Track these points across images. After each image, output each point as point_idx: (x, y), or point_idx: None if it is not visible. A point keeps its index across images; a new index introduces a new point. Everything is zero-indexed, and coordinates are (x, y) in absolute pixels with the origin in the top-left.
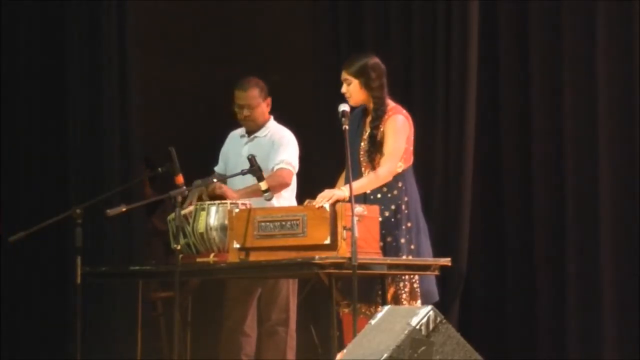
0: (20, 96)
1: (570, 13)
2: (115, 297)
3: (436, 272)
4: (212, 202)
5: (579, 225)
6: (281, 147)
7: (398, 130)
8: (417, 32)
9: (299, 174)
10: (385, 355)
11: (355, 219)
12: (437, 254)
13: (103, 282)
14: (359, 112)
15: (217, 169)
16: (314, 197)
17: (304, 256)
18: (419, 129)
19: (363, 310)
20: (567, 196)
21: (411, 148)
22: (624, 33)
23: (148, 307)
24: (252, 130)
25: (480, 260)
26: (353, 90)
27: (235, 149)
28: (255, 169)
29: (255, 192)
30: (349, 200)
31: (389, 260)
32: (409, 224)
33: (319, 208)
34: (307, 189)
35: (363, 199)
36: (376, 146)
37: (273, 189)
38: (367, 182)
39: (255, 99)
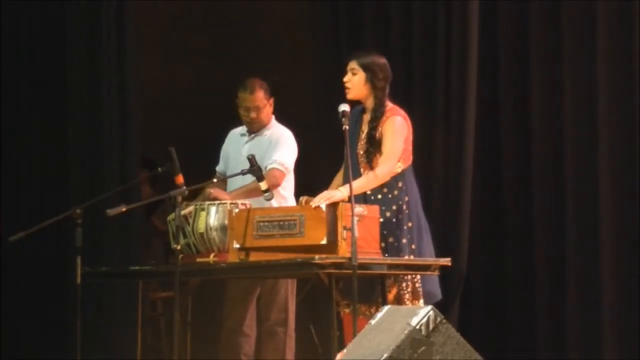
0: (21, 96)
1: (570, 13)
2: (115, 297)
3: (436, 272)
4: (212, 202)
5: (579, 225)
6: (277, 147)
7: (396, 130)
8: (417, 32)
9: (298, 174)
10: (385, 355)
11: (355, 219)
12: (437, 254)
13: (103, 282)
14: (356, 112)
15: (218, 168)
16: (312, 196)
17: (302, 256)
18: (419, 129)
19: (363, 310)
20: (567, 196)
21: (410, 148)
22: (624, 33)
23: (148, 307)
24: (255, 130)
25: (480, 260)
26: (357, 83)
27: (235, 148)
28: (255, 169)
29: (249, 192)
30: (349, 200)
31: (389, 260)
32: (410, 224)
33: (315, 208)
34: (307, 189)
35: (363, 199)
36: (375, 146)
37: (258, 190)
38: (366, 182)
39: (262, 100)
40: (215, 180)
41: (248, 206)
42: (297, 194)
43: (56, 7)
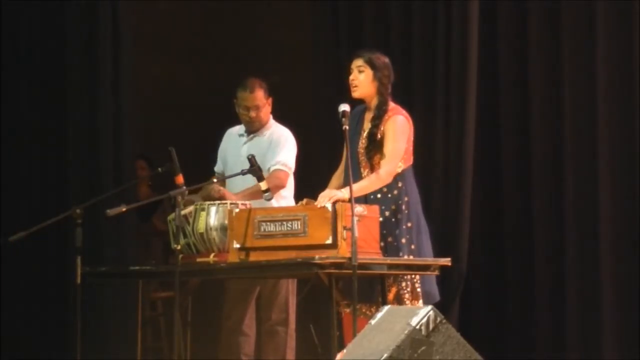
0: (20, 97)
1: (570, 13)
2: (115, 297)
3: (436, 272)
4: (212, 202)
5: (579, 225)
6: (278, 148)
7: (398, 130)
8: (417, 32)
9: (298, 174)
10: (385, 355)
11: (355, 219)
12: (437, 254)
13: (103, 282)
14: (358, 111)
15: (216, 169)
16: (313, 196)
17: (305, 256)
18: (419, 129)
19: (363, 310)
20: (566, 196)
21: (411, 148)
22: (624, 33)
23: (148, 307)
24: (254, 129)
25: (480, 260)
26: (364, 80)
27: (234, 148)
28: (255, 169)
29: (254, 194)
30: (349, 200)
31: (389, 260)
32: (409, 224)
33: (320, 208)
34: (307, 188)
35: (363, 199)
36: (375, 145)
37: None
38: (367, 184)
39: (261, 100)
40: (215, 180)
41: (248, 206)
42: (297, 194)
43: (56, 7)
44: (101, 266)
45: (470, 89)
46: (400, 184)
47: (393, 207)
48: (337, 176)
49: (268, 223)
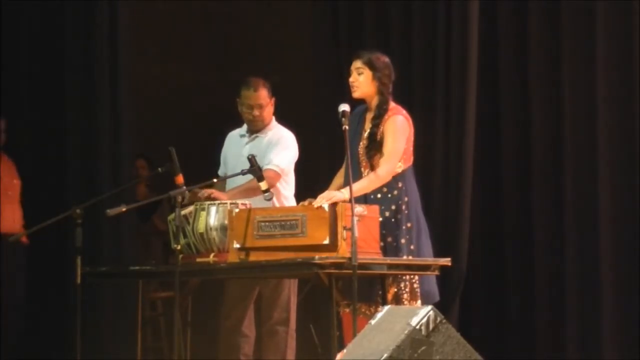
0: (20, 97)
1: (570, 13)
2: (115, 297)
3: (436, 272)
4: (212, 202)
5: (579, 225)
6: (275, 148)
7: (397, 130)
8: (417, 32)
9: (299, 174)
10: (385, 355)
11: (355, 219)
12: (437, 254)
13: (103, 282)
14: (359, 112)
15: (220, 172)
16: (314, 196)
17: (304, 256)
18: (419, 129)
19: (363, 310)
20: (566, 196)
21: (411, 148)
22: (624, 33)
23: (148, 307)
24: (256, 129)
25: (480, 260)
26: (364, 82)
27: (235, 149)
28: (255, 169)
29: (244, 192)
30: (349, 201)
31: (389, 260)
32: (409, 224)
33: (317, 208)
34: (307, 188)
35: (363, 199)
36: (375, 145)
37: (255, 190)
38: (367, 183)
39: (265, 99)
40: (215, 180)
41: (248, 206)
42: (298, 194)
43: (55, 8)
44: (101, 266)
45: (470, 89)
46: (400, 184)
47: (393, 207)
48: (340, 176)
49: (267, 223)
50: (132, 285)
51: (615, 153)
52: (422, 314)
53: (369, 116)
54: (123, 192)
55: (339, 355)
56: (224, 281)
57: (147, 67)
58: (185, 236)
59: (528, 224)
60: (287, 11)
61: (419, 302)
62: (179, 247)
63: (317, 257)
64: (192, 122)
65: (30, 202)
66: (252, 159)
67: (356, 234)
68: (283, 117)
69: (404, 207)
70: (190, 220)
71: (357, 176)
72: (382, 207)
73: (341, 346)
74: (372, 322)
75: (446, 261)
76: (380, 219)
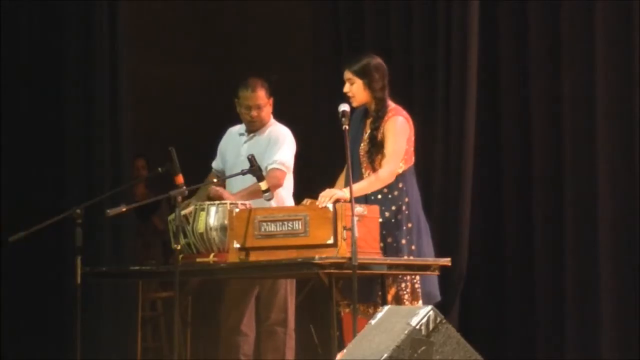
0: (20, 97)
1: (570, 13)
2: (115, 297)
3: (436, 272)
4: (212, 202)
5: (579, 225)
6: (276, 147)
7: (398, 131)
8: (417, 32)
9: (298, 174)
10: (385, 355)
11: (355, 219)
12: (437, 254)
13: (103, 282)
14: (360, 113)
15: (214, 165)
16: (314, 196)
17: (305, 256)
18: (419, 129)
19: (363, 310)
20: (566, 196)
21: (412, 149)
22: (624, 33)
23: (148, 307)
24: (255, 129)
25: (480, 260)
26: (357, 91)
27: (234, 147)
28: (255, 169)
29: (253, 194)
30: (349, 200)
31: (389, 260)
32: (409, 225)
33: (322, 208)
34: (307, 189)
35: (364, 199)
36: (376, 147)
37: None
38: (368, 184)
39: (263, 99)
40: (215, 180)
41: (248, 206)
42: (297, 194)
43: (55, 7)
44: (101, 266)
45: (470, 89)
46: (400, 185)
47: (393, 207)
48: (342, 177)
49: (269, 223)
50: (132, 285)
51: (615, 153)
52: (422, 314)
53: (369, 119)
54: (123, 192)
55: (339, 355)
56: (224, 281)
57: (147, 67)
58: (185, 236)
59: (528, 224)
60: (288, 11)
61: (420, 302)
62: (179, 247)
63: (317, 257)
64: (192, 122)
65: (30, 202)
66: (252, 159)
67: (356, 234)
68: (282, 117)
69: (404, 207)
70: (190, 220)
71: (358, 178)
72: (383, 208)
73: (341, 346)
74: (372, 322)
75: (446, 261)
76: (381, 219)
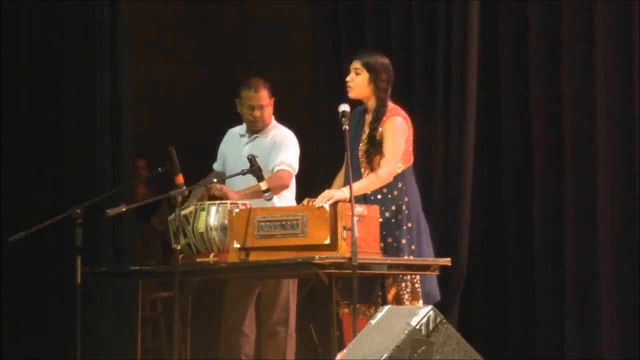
0: (20, 97)
1: (570, 13)
2: (115, 297)
3: (436, 272)
4: (212, 202)
5: (579, 225)
6: (282, 148)
7: (397, 131)
8: (417, 32)
9: (299, 174)
10: (385, 355)
11: (355, 219)
12: (437, 254)
13: (103, 282)
14: (358, 113)
15: (215, 166)
16: (314, 196)
17: (304, 256)
18: (419, 129)
19: (363, 310)
20: (566, 196)
21: (410, 149)
22: (624, 33)
23: (148, 307)
24: (257, 130)
25: (480, 260)
26: (360, 83)
27: (234, 148)
28: (255, 169)
29: (255, 194)
30: (349, 200)
31: (389, 260)
32: (409, 225)
33: (319, 208)
34: (307, 189)
35: (363, 199)
36: (375, 147)
37: (272, 190)
38: (367, 183)
39: (265, 99)
40: (215, 180)
41: (248, 206)
42: (297, 194)
43: (55, 7)
44: (101, 266)
45: (470, 89)
46: (400, 185)
47: (393, 208)
48: (340, 177)
49: (268, 223)
50: (132, 285)
51: (615, 153)
52: (422, 314)
53: (368, 118)
54: (123, 192)
55: (339, 355)
56: (224, 281)
57: (147, 67)
58: (185, 236)
59: (528, 224)
60: (288, 11)
61: (421, 302)
62: (179, 247)
63: (317, 257)
64: (192, 122)
65: (30, 202)
66: (252, 159)
67: (356, 234)
68: (283, 117)
69: (404, 207)
70: (190, 220)
71: (357, 178)
72: (383, 208)
73: (341, 346)
74: (372, 322)
75: (446, 261)
76: (381, 219)
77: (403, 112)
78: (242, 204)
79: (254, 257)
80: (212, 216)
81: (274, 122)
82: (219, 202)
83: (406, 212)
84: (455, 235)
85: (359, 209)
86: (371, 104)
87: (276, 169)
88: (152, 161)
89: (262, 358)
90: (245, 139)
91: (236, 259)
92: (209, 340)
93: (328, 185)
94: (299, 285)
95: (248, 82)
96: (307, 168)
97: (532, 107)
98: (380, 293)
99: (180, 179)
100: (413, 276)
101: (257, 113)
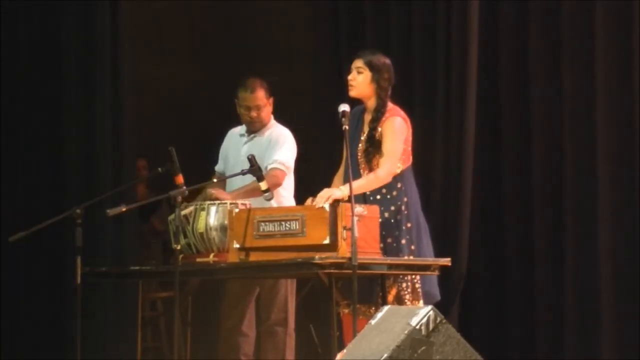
0: (20, 96)
1: (571, 13)
2: (115, 297)
3: (436, 272)
4: (212, 202)
5: (579, 225)
6: (277, 147)
7: (396, 131)
8: (417, 32)
9: (298, 174)
10: (385, 355)
11: (355, 219)
12: (437, 254)
13: (103, 282)
14: (357, 113)
15: (217, 168)
16: (313, 196)
17: (304, 256)
18: (419, 129)
19: (363, 310)
20: (567, 196)
21: (409, 149)
22: (624, 33)
23: (148, 307)
24: (255, 130)
25: (480, 260)
26: (362, 82)
27: (234, 148)
28: (255, 169)
29: (249, 192)
30: (349, 200)
31: (389, 260)
32: (409, 225)
33: (318, 208)
34: (307, 189)
35: (363, 199)
36: (374, 147)
37: (259, 190)
38: (366, 183)
39: (262, 99)
40: (215, 180)
41: (248, 206)
42: (297, 194)
43: (55, 7)
44: (101, 266)
45: (470, 89)
46: (399, 185)
47: (393, 208)
48: (339, 177)
49: (267, 223)
50: (132, 285)
51: (615, 153)
52: (422, 314)
53: (367, 118)
54: (123, 192)
55: (339, 355)
56: (224, 281)
57: (147, 67)
58: (185, 236)
59: (528, 224)
60: (287, 11)
61: (421, 302)
62: (179, 247)
63: (317, 257)
64: (192, 122)
65: (30, 202)
66: (251, 159)
67: (356, 234)
68: (282, 117)
69: (403, 207)
70: (190, 220)
71: (356, 178)
72: (382, 208)
73: (341, 346)
74: (372, 322)
75: (446, 261)
76: (380, 220)
77: (402, 113)
78: (242, 203)
79: (253, 257)
80: (212, 216)
81: (272, 121)
82: (218, 202)
83: (405, 212)
84: (455, 235)
85: (359, 209)
86: (371, 103)
87: (269, 167)
88: (152, 161)
89: (261, 358)
90: (245, 139)
91: (236, 259)
92: (209, 340)
93: (327, 185)
94: (299, 285)
95: (244, 83)
96: (306, 168)
97: (532, 106)
98: (380, 293)
99: (180, 179)
100: (414, 276)
101: (253, 113)
